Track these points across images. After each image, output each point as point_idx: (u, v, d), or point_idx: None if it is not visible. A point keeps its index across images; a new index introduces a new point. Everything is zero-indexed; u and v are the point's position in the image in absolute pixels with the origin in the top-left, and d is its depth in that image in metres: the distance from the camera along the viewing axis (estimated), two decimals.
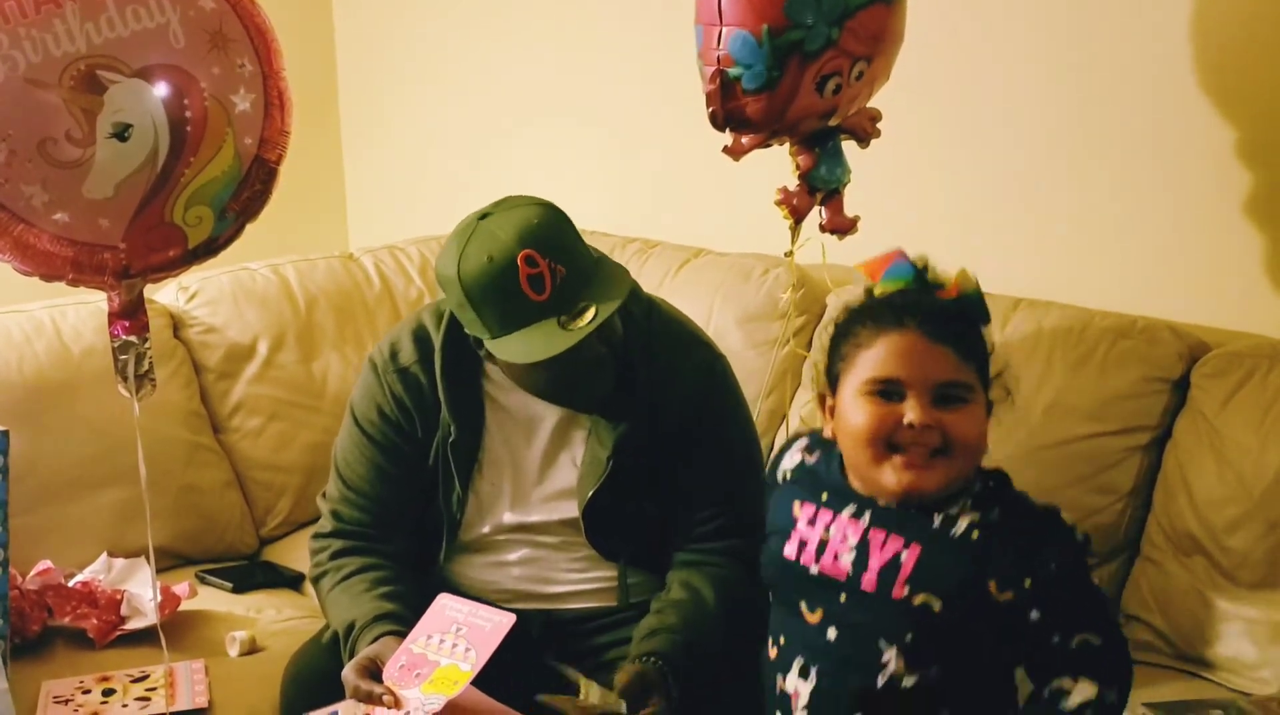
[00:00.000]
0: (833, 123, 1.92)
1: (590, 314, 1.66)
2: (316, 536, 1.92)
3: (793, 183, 1.99)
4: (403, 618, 1.74)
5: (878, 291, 1.47)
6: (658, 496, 1.82)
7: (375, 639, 1.72)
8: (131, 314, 1.87)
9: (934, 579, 1.41)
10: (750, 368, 2.36)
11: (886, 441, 1.42)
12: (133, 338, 1.87)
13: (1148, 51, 2.10)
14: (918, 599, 1.41)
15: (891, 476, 1.42)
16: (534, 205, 1.72)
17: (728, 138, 1.93)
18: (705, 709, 1.72)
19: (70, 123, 1.68)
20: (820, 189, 1.99)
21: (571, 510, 1.84)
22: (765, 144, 1.93)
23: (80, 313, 2.46)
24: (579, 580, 1.87)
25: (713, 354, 1.90)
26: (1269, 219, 2.03)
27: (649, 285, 2.52)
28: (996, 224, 2.33)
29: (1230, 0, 2.01)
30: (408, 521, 1.89)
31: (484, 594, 1.87)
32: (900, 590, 1.41)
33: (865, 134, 1.98)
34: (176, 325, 2.59)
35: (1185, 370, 2.00)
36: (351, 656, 1.74)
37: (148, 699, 1.98)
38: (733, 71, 1.81)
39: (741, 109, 1.84)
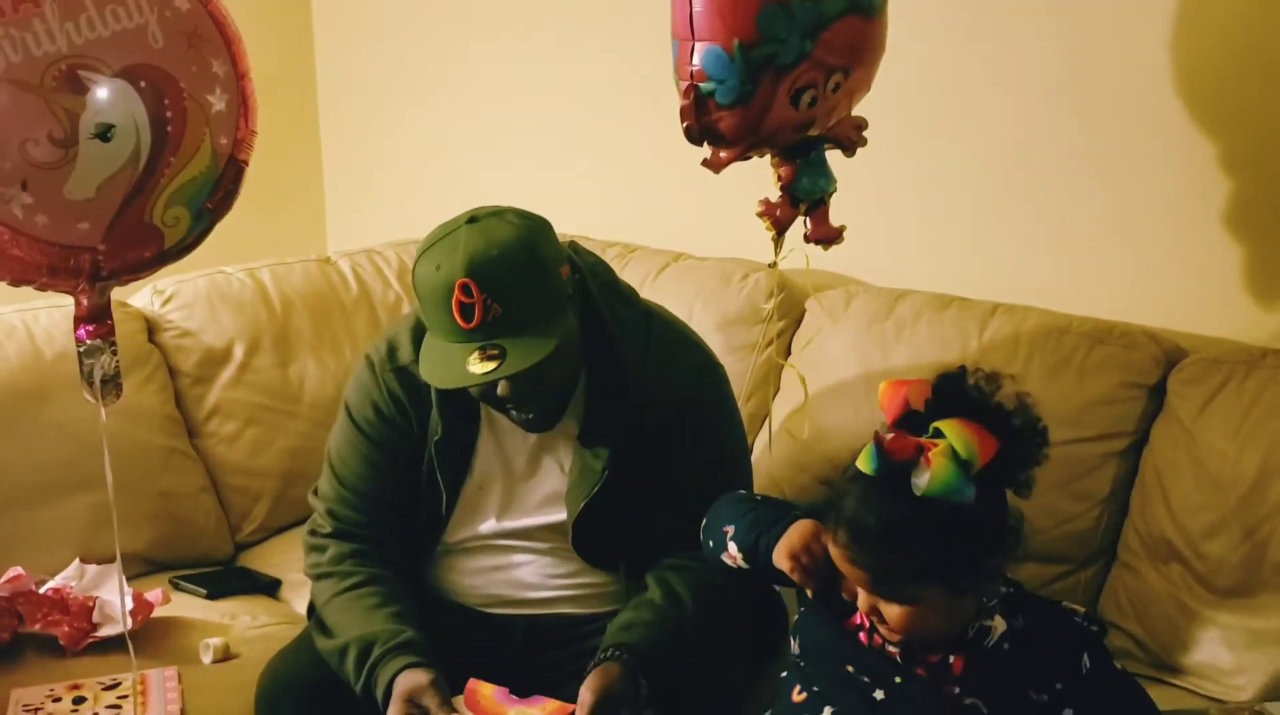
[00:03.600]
0: (813, 133, 1.90)
1: (493, 366, 1.63)
2: (315, 534, 1.88)
3: (775, 191, 1.98)
4: (420, 647, 1.72)
5: (858, 462, 1.40)
6: (650, 505, 1.80)
7: (399, 670, 1.69)
8: (98, 318, 1.85)
9: (980, 686, 1.44)
10: (730, 372, 2.34)
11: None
12: (99, 342, 1.85)
13: (1128, 63, 2.11)
14: (968, 700, 1.44)
15: (884, 632, 1.46)
16: (515, 227, 1.67)
17: (706, 151, 1.92)
18: (680, 707, 1.71)
19: (52, 123, 1.67)
20: (804, 200, 1.97)
21: (560, 514, 1.83)
22: (744, 157, 1.91)
23: (53, 316, 2.43)
24: (567, 585, 1.86)
25: (709, 359, 1.90)
26: (1246, 225, 2.04)
27: None
28: (975, 229, 2.34)
29: (1210, 13, 2.02)
30: (400, 522, 1.87)
31: (467, 599, 1.87)
32: (951, 689, 1.45)
33: (851, 143, 1.95)
34: (151, 329, 2.57)
35: (1162, 376, 2.00)
36: (365, 674, 1.71)
37: (119, 707, 1.95)
38: (705, 87, 1.80)
39: (715, 124, 1.83)
